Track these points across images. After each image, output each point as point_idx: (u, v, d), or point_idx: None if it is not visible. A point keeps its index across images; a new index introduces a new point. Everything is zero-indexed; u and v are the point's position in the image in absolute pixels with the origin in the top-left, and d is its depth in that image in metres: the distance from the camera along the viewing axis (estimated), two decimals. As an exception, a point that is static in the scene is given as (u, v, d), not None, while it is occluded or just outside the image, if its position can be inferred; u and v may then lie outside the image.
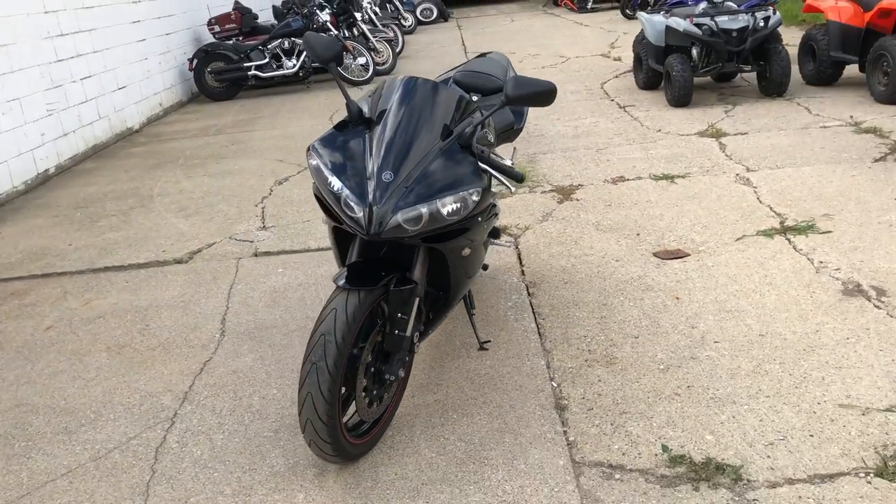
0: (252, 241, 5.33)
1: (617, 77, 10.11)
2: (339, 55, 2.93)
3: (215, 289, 4.62)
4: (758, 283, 4.01)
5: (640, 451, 2.84)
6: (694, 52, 8.20)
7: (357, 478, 2.84)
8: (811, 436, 2.81)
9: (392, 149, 2.68)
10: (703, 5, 8.17)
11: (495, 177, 2.85)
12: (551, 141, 7.28)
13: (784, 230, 4.62)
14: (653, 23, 8.69)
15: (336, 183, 2.67)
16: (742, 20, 7.80)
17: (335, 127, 2.85)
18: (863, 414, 2.89)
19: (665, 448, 2.81)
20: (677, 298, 3.94)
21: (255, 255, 5.09)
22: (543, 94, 2.74)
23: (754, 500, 2.54)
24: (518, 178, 2.92)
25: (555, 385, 3.31)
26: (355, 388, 2.75)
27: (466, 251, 2.93)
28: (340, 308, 2.63)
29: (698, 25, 7.85)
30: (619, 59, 11.50)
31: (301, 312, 4.20)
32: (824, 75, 8.32)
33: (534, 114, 8.44)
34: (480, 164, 2.78)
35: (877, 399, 2.97)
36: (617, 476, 2.73)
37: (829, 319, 3.57)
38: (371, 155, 2.69)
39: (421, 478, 2.81)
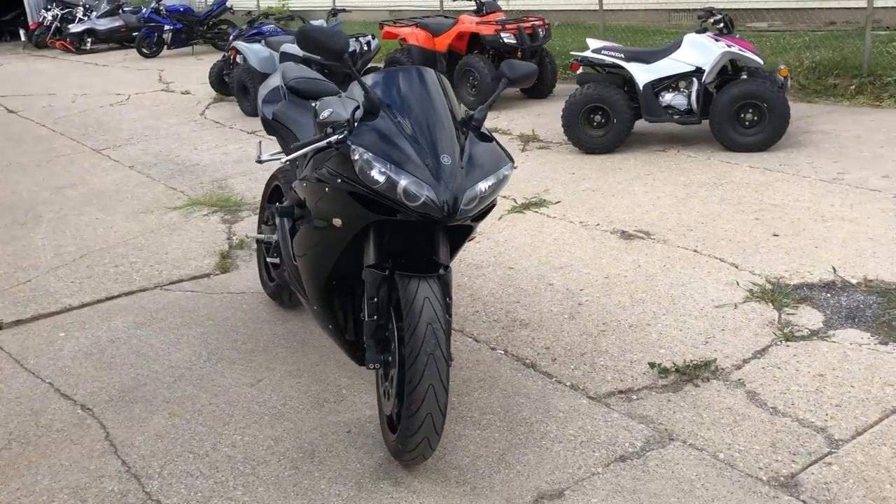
0: (-20, 314, 4.27)
1: (209, 108, 10.02)
2: (348, 45, 2.79)
3: (-1, 371, 3.68)
4: (555, 244, 4.75)
5: (629, 374, 3.33)
6: (304, 76, 8.67)
7: (437, 473, 2.78)
8: (723, 330, 3.63)
9: (434, 134, 2.69)
10: (306, 33, 8.68)
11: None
12: (218, 167, 7.09)
13: (526, 206, 5.46)
14: (256, 51, 8.94)
15: (391, 173, 2.58)
16: (351, 45, 8.55)
17: (359, 123, 2.71)
18: (735, 308, 3.82)
19: (652, 364, 3.35)
20: (510, 268, 4.47)
21: (2, 328, 4.12)
22: (532, 74, 3.04)
23: (739, 379, 3.24)
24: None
25: (501, 352, 3.58)
26: None
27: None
28: (431, 295, 2.60)
29: (315, 50, 8.34)
30: (188, 92, 11.33)
31: (157, 364, 3.65)
32: (412, 92, 9.53)
33: (172, 145, 8.02)
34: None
35: (731, 296, 3.93)
36: (634, 397, 3.18)
37: (638, 257, 4.48)
38: (416, 142, 2.67)
39: (493, 451, 2.88)
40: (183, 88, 11.66)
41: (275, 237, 3.75)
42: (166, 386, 3.46)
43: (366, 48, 8.62)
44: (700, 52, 6.46)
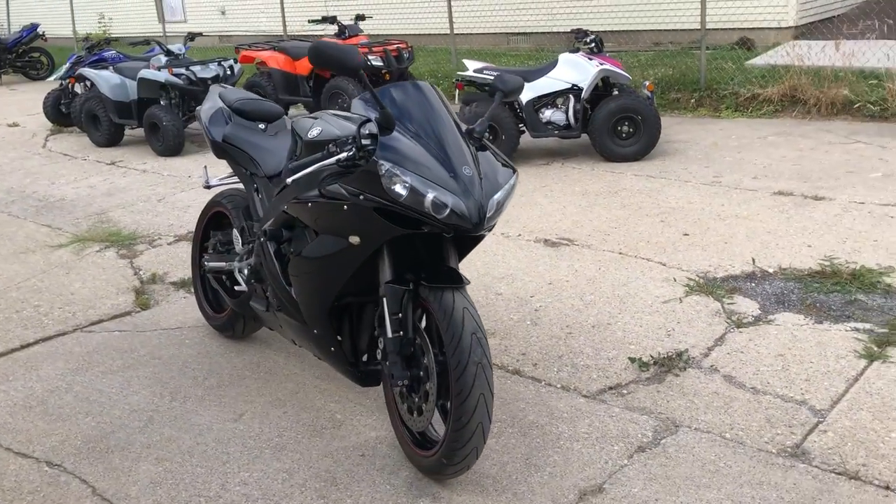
0: None
1: (49, 140, 9.29)
2: (363, 61, 2.72)
3: (-76, 435, 3.24)
4: (486, 255, 4.85)
5: (612, 370, 3.48)
6: (162, 102, 8.30)
7: (472, 484, 2.77)
8: (679, 323, 3.87)
9: (450, 146, 2.69)
10: (164, 59, 8.31)
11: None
12: (89, 201, 6.60)
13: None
14: (106, 78, 8.45)
15: (419, 186, 2.57)
16: (213, 69, 8.27)
17: (377, 138, 2.66)
18: (680, 301, 4.08)
19: (632, 359, 3.52)
20: (453, 282, 4.51)
21: None
22: (521, 87, 3.12)
23: (711, 366, 3.48)
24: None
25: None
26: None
27: None
28: (468, 305, 2.62)
29: (177, 75, 8.00)
30: (16, 124, 10.44)
31: (117, 410, 3.37)
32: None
33: (23, 180, 7.35)
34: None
35: (672, 292, 4.19)
36: (625, 391, 3.33)
37: (571, 262, 4.67)
38: (435, 155, 2.67)
39: (516, 456, 2.91)
40: (8, 121, 10.73)
41: (236, 264, 3.58)
42: (138, 430, 3.20)
43: (228, 72, 8.35)
44: (576, 70, 6.84)
